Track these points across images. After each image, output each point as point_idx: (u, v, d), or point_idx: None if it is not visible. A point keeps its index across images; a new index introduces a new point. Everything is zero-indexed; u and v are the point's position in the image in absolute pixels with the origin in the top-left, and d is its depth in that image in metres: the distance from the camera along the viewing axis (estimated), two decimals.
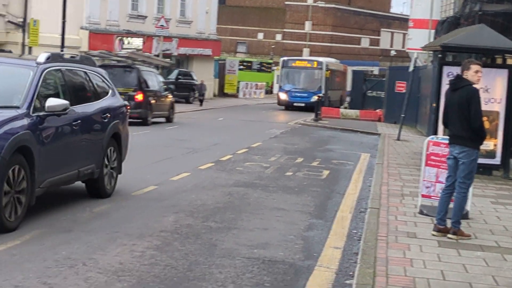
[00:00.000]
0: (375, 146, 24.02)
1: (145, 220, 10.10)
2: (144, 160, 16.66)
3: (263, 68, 71.18)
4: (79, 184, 11.46)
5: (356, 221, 11.07)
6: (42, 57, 10.27)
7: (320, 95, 39.88)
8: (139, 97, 25.95)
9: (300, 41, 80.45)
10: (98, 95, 11.74)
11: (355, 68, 62.39)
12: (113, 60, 29.68)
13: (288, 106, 46.45)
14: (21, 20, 41.36)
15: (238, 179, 14.60)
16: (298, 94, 46.08)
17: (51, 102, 9.79)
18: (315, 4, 79.66)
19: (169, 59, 44.55)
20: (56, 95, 10.29)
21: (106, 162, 11.60)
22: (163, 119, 29.39)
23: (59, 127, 10.11)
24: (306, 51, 75.66)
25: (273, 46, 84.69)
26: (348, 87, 55.18)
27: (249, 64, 70.73)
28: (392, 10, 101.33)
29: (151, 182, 13.27)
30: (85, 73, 11.57)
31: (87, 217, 10.12)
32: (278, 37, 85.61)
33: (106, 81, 12.29)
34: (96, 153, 11.28)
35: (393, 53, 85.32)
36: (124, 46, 44.61)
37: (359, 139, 27.23)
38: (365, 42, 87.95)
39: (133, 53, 32.88)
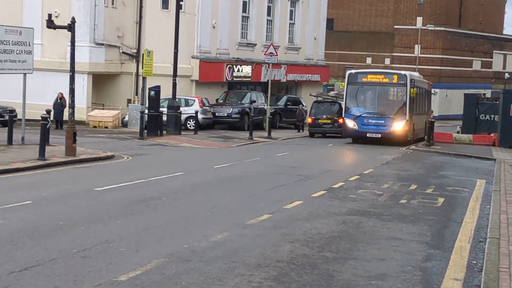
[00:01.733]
0: (491, 172, 23.38)
1: (261, 249, 10.16)
2: (258, 187, 16.79)
3: None
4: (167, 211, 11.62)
5: (476, 251, 10.79)
6: None
7: (432, 117, 38.90)
8: (341, 120, 37.32)
9: (409, 64, 79.36)
10: None
11: (467, 91, 60.97)
12: (325, 97, 46.55)
13: (358, 138, 35.31)
14: (135, 51, 42.72)
15: (351, 207, 14.51)
16: (372, 121, 34.55)
17: None
18: (424, 28, 78.60)
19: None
20: None
21: None
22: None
23: None
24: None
25: None
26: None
27: None
28: (505, 32, 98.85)
29: (265, 210, 13.36)
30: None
31: (204, 246, 10.27)
32: (387, 61, 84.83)
33: None
34: None
35: (506, 75, 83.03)
36: (234, 74, 45.31)
37: (474, 165, 26.56)
38: (476, 65, 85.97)
39: (337, 94, 48.24)
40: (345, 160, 25.88)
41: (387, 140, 33.82)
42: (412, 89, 34.63)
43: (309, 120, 41.15)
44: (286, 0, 51.93)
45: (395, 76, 35.22)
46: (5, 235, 10.45)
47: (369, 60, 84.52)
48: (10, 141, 23.85)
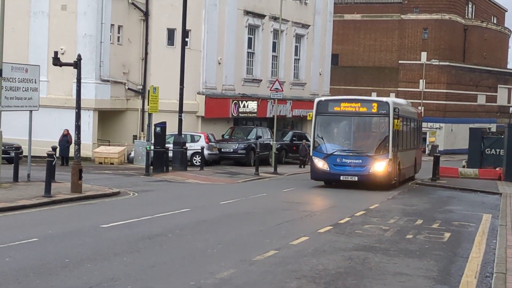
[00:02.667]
0: (497, 206, 23.33)
1: (268, 286, 10.13)
2: (264, 223, 16.78)
3: None
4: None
5: (482, 286, 10.75)
6: None
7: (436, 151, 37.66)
8: None
9: (414, 99, 79.56)
10: None
11: (472, 125, 60.99)
12: None
13: (330, 181, 28.85)
14: (141, 87, 42.97)
15: (358, 242, 14.47)
16: (347, 161, 28.06)
17: None
18: (429, 63, 78.92)
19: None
20: None
21: None
22: None
23: None
24: (420, 109, 74.79)
25: None
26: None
27: None
28: (509, 66, 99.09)
29: (271, 246, 13.34)
30: None
31: (211, 283, 10.24)
32: (392, 96, 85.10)
33: None
34: None
35: (511, 110, 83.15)
36: (240, 109, 45.48)
37: (480, 199, 26.50)
38: (481, 99, 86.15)
39: None
40: (351, 196, 25.82)
41: (366, 184, 27.84)
42: (396, 120, 27.80)
43: None
44: (291, 36, 52.27)
45: (375, 104, 28.40)
46: (11, 273, 10.44)
47: (374, 95, 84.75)
48: (16, 178, 23.91)
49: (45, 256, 11.85)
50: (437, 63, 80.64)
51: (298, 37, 53.65)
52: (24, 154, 29.99)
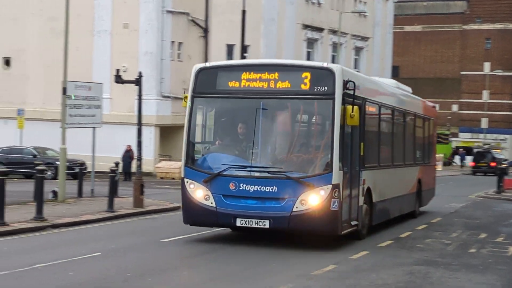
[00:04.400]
0: None
1: None
2: (323, 237, 16.71)
3: (439, 139, 70.00)
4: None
5: None
6: None
7: (503, 161, 33.14)
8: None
9: (477, 110, 78.46)
10: None
11: None
12: None
13: (220, 226, 15.72)
14: None
15: (418, 257, 14.29)
16: (249, 188, 14.57)
17: None
18: (492, 73, 77.74)
19: None
20: None
21: None
22: None
23: None
24: (484, 121, 73.63)
25: (449, 117, 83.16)
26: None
27: None
28: None
29: (330, 261, 13.27)
30: None
31: None
32: (454, 107, 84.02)
33: None
34: None
35: None
36: None
37: None
38: None
39: None
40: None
41: (288, 233, 15.40)
42: (351, 107, 14.55)
43: None
44: (350, 49, 52.15)
45: (307, 75, 14.75)
46: (74, 286, 10.64)
47: (455, 107, 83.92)
48: (80, 193, 24.37)
49: (107, 270, 12.04)
50: (501, 73, 79.36)
51: (358, 50, 53.49)
52: (88, 170, 30.55)
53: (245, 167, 14.71)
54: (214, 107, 15.73)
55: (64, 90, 23.44)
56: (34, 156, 37.55)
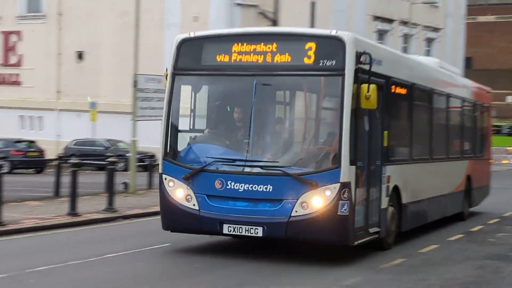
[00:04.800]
0: None
1: None
2: None
3: None
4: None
5: None
6: None
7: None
8: None
9: None
10: None
11: None
12: None
13: (203, 233, 12.63)
14: None
15: (489, 251, 14.02)
16: (239, 187, 11.84)
17: None
18: None
19: None
20: None
21: None
22: None
23: None
24: None
25: None
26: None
27: (498, 128, 68.40)
28: None
29: (399, 254, 13.13)
30: None
31: None
32: None
33: None
34: None
35: None
36: None
37: None
38: None
39: None
40: (483, 202, 25.04)
41: (284, 242, 13.03)
42: (365, 85, 11.65)
43: None
44: (421, 41, 51.44)
45: (311, 45, 11.85)
46: (142, 277, 10.82)
47: (509, 99, 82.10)
48: (150, 185, 24.71)
49: (176, 261, 12.19)
50: None
51: (429, 41, 52.73)
52: (157, 162, 30.89)
53: (234, 160, 12.00)
54: (198, 86, 12.95)
55: (135, 83, 23.79)
56: (106, 148, 38.25)
